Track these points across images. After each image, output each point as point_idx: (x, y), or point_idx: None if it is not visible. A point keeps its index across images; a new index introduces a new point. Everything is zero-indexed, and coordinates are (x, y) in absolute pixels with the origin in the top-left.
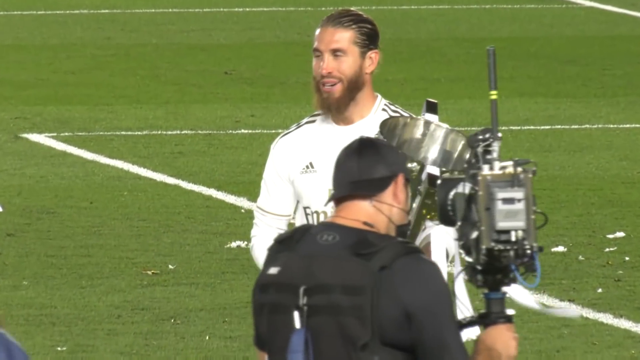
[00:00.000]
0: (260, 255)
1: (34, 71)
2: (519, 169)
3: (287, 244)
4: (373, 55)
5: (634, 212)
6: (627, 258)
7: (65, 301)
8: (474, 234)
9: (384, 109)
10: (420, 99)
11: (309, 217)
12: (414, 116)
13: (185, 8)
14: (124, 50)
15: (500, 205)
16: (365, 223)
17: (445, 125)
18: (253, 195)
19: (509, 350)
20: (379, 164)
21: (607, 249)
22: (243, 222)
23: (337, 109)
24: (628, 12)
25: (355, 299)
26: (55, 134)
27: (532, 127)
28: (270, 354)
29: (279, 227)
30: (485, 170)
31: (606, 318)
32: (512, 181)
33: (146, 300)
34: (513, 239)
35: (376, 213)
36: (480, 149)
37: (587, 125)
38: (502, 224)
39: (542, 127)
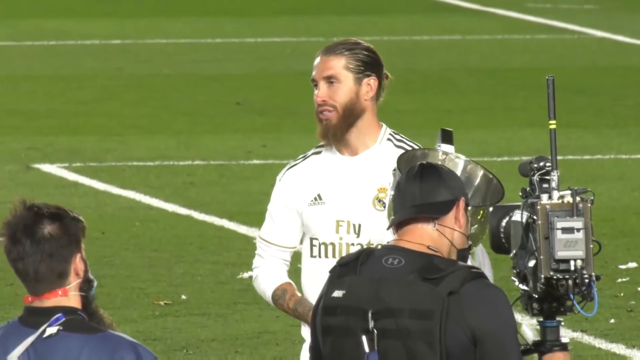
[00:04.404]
0: (265, 287)
1: (45, 101)
2: (578, 199)
3: (351, 267)
4: (371, 82)
5: None
6: (639, 289)
7: None
8: (532, 263)
9: (389, 139)
10: (432, 129)
11: (315, 249)
12: (430, 148)
13: (197, 39)
14: (135, 81)
15: (559, 235)
16: (429, 247)
17: (463, 157)
18: None
19: None
20: (441, 188)
21: (619, 280)
22: (255, 253)
23: (334, 136)
24: None
25: (424, 323)
26: (66, 164)
27: None
28: None
29: (284, 259)
30: (544, 199)
31: (619, 349)
32: (571, 210)
33: (158, 330)
34: (572, 268)
35: (439, 237)
36: (536, 177)
37: (599, 156)
38: (561, 253)
39: None
